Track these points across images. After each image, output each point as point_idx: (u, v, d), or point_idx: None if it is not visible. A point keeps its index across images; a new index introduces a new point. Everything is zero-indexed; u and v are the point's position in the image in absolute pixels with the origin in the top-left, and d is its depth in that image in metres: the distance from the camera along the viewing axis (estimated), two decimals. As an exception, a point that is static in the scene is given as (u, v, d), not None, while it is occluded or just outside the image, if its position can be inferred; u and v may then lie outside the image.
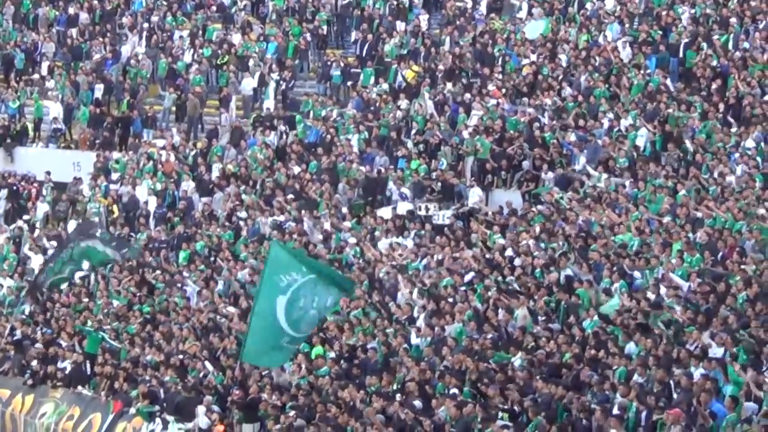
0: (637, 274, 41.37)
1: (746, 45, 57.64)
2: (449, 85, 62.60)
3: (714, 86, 54.95)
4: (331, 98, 66.81)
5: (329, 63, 69.68)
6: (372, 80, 66.69)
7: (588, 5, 66.21)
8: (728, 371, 32.68)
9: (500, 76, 61.91)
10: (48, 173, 66.34)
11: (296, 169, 59.62)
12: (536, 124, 56.41)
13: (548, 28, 64.77)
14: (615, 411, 32.68)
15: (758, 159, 48.12)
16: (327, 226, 54.43)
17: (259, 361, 39.78)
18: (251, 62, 70.71)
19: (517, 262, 46.02)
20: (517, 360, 37.66)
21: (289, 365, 43.00)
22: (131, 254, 54.50)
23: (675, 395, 32.38)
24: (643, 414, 32.11)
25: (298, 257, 38.64)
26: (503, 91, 60.23)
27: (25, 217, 64.36)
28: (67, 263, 52.25)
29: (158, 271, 55.55)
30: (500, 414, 34.60)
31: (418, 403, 37.34)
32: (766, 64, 54.99)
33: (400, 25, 70.55)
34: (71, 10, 77.78)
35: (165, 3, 77.55)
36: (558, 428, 32.63)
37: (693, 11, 61.56)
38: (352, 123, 61.96)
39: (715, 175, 48.51)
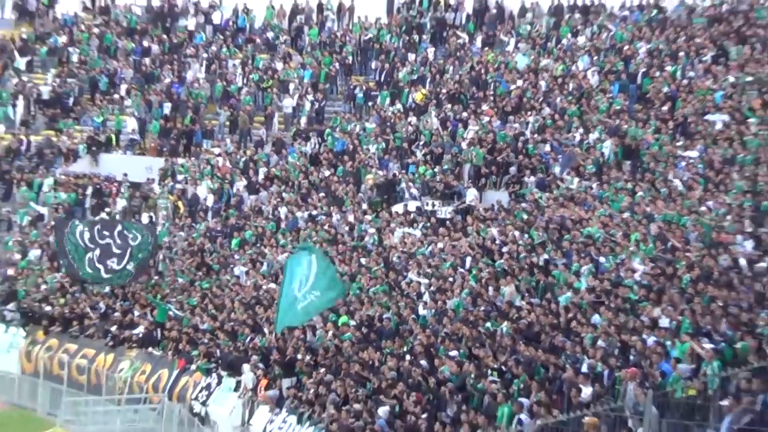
0: (602, 259, 41.39)
1: (692, 74, 57.60)
2: (451, 106, 62.68)
3: (665, 108, 54.95)
4: (355, 115, 67.05)
5: (353, 87, 69.80)
6: (388, 101, 66.88)
7: (563, 41, 66.29)
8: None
9: (492, 99, 61.97)
10: (125, 175, 66.53)
11: (326, 173, 59.77)
12: (521, 138, 56.47)
13: (531, 60, 64.92)
14: (584, 369, 32.69)
15: (700, 167, 48.10)
16: (351, 219, 54.55)
17: (286, 324, 41.85)
18: (291, 86, 70.93)
19: (505, 249, 46.05)
20: (504, 328, 37.69)
21: (320, 332, 43.23)
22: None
23: (632, 357, 32.39)
24: (606, 372, 32.11)
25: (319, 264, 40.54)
26: (494, 110, 60.33)
27: (107, 210, 64.53)
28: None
29: (214, 255, 55.81)
30: (490, 372, 34.64)
31: (424, 362, 37.40)
32: (706, 90, 54.93)
33: (411, 57, 70.72)
34: (145, 43, 77.92)
35: (221, 37, 77.63)
36: (538, 383, 32.66)
37: (649, 46, 61.51)
38: (372, 136, 62.14)
39: (666, 179, 48.56)
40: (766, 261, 36.32)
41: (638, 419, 27.79)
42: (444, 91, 65.08)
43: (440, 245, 49.11)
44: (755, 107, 51.95)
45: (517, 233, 47.32)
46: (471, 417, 32.22)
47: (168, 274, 55.43)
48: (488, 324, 38.77)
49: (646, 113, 55.33)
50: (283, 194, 59.16)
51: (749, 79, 54.89)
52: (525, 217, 48.90)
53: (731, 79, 55.51)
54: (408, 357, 38.57)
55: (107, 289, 54.83)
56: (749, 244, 38.38)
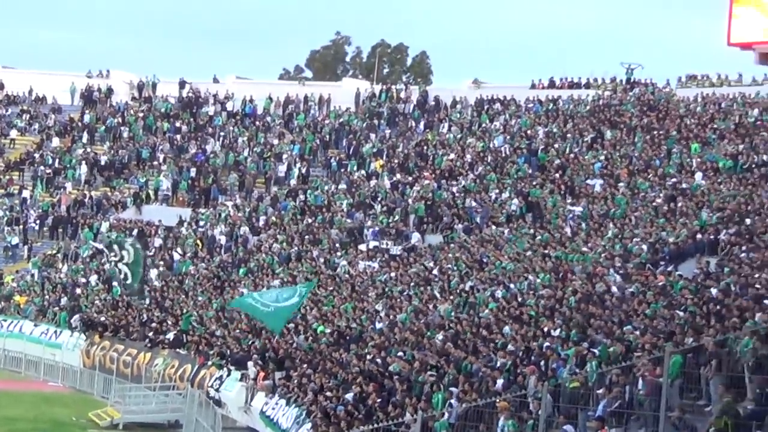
0: (511, 285, 41.28)
1: (576, 150, 57.79)
2: (401, 172, 62.66)
3: (557, 174, 55.07)
4: (331, 179, 66.79)
5: (330, 157, 69.65)
6: (355, 168, 66.71)
7: (484, 125, 66.40)
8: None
9: (431, 167, 61.95)
10: (161, 221, 66.21)
11: (309, 220, 59.58)
12: (451, 196, 56.52)
13: (459, 138, 65.05)
14: (497, 366, 32.50)
15: (582, 219, 48.26)
16: (327, 254, 54.42)
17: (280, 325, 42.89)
18: (284, 156, 70.78)
19: (440, 277, 46.06)
20: (440, 336, 37.53)
21: (302, 337, 43.10)
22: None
23: (533, 358, 32.25)
24: (512, 369, 31.99)
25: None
26: (433, 176, 60.27)
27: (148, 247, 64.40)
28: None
29: (226, 280, 55.56)
30: (428, 367, 34.45)
31: (379, 360, 37.22)
32: (588, 163, 55.12)
33: (372, 136, 70.66)
34: (177, 124, 77.73)
35: (233, 120, 77.52)
36: (463, 376, 32.47)
37: (546, 129, 61.70)
38: (343, 193, 61.99)
39: (558, 227, 48.59)
40: (630, 288, 36.26)
41: (537, 403, 27.62)
42: (396, 161, 65.02)
43: (392, 274, 48.97)
44: (622, 176, 52.14)
45: (449, 266, 47.31)
46: (414, 402, 32.01)
47: (191, 293, 55.06)
48: (427, 333, 38.61)
49: (543, 178, 55.44)
50: (278, 236, 58.81)
51: (618, 154, 55.10)
52: (455, 254, 48.86)
53: (606, 154, 55.73)
54: (368, 357, 38.31)
55: (147, 302, 54.52)
56: (618, 276, 38.38)
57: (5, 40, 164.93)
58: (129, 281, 53.31)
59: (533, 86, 71.02)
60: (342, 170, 67.43)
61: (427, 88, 77.33)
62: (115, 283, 56.80)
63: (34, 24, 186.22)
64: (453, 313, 40.18)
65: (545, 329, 34.62)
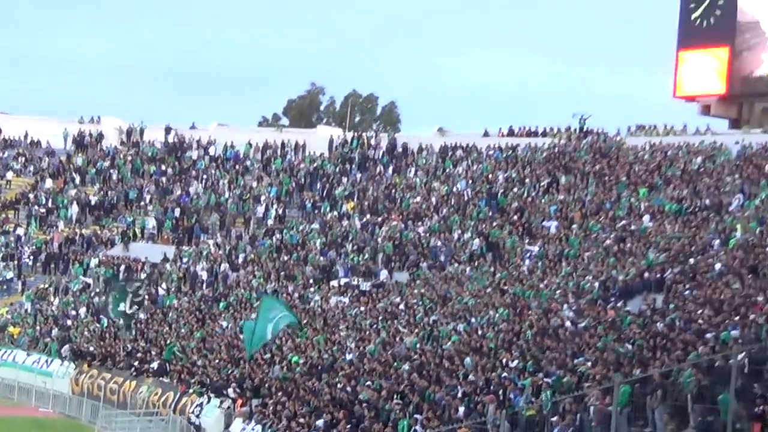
0: (473, 319, 41.32)
1: (533, 194, 57.97)
2: (370, 214, 62.70)
3: (516, 216, 55.23)
4: (306, 219, 66.73)
5: (305, 199, 69.56)
6: (328, 209, 66.69)
7: (447, 170, 66.53)
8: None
9: (399, 209, 62.02)
10: (146, 258, 65.96)
11: (285, 258, 59.51)
12: (417, 236, 56.60)
13: (425, 183, 65.20)
14: (458, 395, 32.59)
15: (529, 259, 48.52)
16: (301, 290, 54.35)
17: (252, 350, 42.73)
18: (262, 198, 70.70)
19: (406, 312, 46.06)
20: (405, 366, 37.51)
21: (277, 367, 42.99)
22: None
23: (491, 387, 32.28)
24: (473, 397, 32.02)
25: (279, 302, 40.71)
26: (400, 217, 60.35)
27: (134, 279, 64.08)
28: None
29: (207, 313, 55.36)
30: (395, 395, 34.45)
31: (349, 389, 37.20)
32: (544, 206, 55.30)
33: (344, 179, 70.70)
34: (163, 167, 77.66)
35: (215, 164, 77.44)
36: (427, 404, 32.47)
37: (505, 174, 61.85)
38: (317, 233, 61.94)
39: (516, 266, 48.70)
40: (582, 323, 36.35)
41: (496, 430, 27.64)
42: (366, 203, 64.97)
43: (362, 308, 48.91)
44: (576, 218, 52.32)
45: (414, 301, 47.31)
46: (381, 428, 31.98)
47: (174, 325, 54.75)
48: (394, 363, 38.57)
49: (503, 220, 55.53)
50: (255, 272, 58.64)
51: (572, 198, 55.28)
52: (420, 290, 48.88)
53: (560, 198, 55.91)
54: (338, 385, 38.26)
55: (132, 334, 54.26)
56: (571, 312, 38.46)
57: (2, 87, 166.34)
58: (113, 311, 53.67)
59: (486, 134, 71.01)
60: (316, 211, 67.33)
61: (396, 136, 77.36)
62: (102, 316, 56.72)
63: (30, 73, 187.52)
64: (418, 345, 40.15)
65: (503, 361, 34.67)
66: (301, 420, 36.00)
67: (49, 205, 75.56)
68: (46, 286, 66.86)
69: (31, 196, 77.02)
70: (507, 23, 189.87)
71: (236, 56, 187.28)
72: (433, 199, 61.75)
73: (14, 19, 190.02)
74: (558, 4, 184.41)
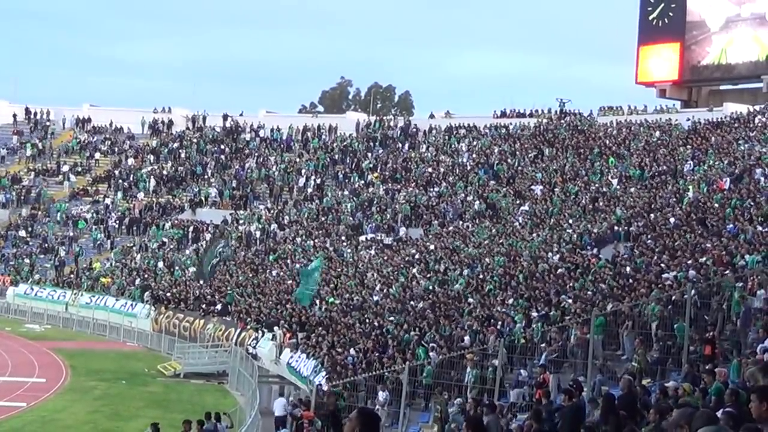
0: (476, 266, 41.14)
1: (523, 164, 57.61)
2: (391, 182, 62.52)
3: (509, 183, 54.89)
4: (339, 186, 66.57)
5: (337, 172, 69.32)
6: (357, 179, 66.54)
7: (453, 145, 66.10)
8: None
9: (414, 178, 61.74)
10: (211, 221, 66.02)
11: (323, 219, 59.44)
12: (429, 199, 56.41)
13: (434, 156, 64.84)
14: (465, 327, 32.43)
15: (521, 216, 48.18)
16: (335, 244, 54.30)
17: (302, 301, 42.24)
18: (303, 170, 70.55)
19: (421, 260, 46.01)
20: (421, 304, 37.38)
21: (317, 307, 43.05)
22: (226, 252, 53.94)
23: (492, 321, 32.15)
24: (477, 329, 31.96)
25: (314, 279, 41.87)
26: (415, 184, 60.22)
27: (200, 241, 64.19)
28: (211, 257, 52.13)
29: (259, 264, 55.36)
30: (414, 328, 34.31)
31: (376, 323, 37.15)
32: (531, 173, 54.95)
33: (369, 155, 70.49)
34: (221, 147, 77.52)
35: (264, 143, 77.14)
36: (440, 335, 32.36)
37: (499, 148, 61.39)
38: (348, 198, 61.84)
39: (510, 222, 48.45)
40: (563, 267, 36.27)
41: (493, 357, 27.61)
42: (387, 173, 64.76)
43: (385, 258, 48.89)
44: (558, 182, 52.13)
45: (427, 252, 47.24)
46: (402, 355, 31.99)
47: (234, 272, 54.76)
48: (412, 302, 38.59)
49: (498, 185, 55.39)
50: (299, 231, 58.66)
51: (554, 167, 55.05)
52: (433, 243, 48.81)
53: (545, 166, 55.69)
54: (367, 321, 38.32)
55: (201, 282, 54.37)
56: (556, 257, 38.39)
57: (94, 85, 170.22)
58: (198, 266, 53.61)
59: (484, 116, 70.81)
60: (346, 181, 67.19)
61: (410, 119, 77.12)
62: (176, 267, 56.60)
63: (114, 73, 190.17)
64: (431, 288, 40.17)
65: (501, 299, 34.65)
66: (339, 349, 36.01)
67: (131, 179, 75.64)
68: (130, 245, 67.07)
69: (116, 172, 77.11)
70: (504, 25, 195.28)
71: (280, 56, 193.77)
72: (442, 169, 61.55)
73: (108, 28, 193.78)
74: (539, 10, 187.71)
